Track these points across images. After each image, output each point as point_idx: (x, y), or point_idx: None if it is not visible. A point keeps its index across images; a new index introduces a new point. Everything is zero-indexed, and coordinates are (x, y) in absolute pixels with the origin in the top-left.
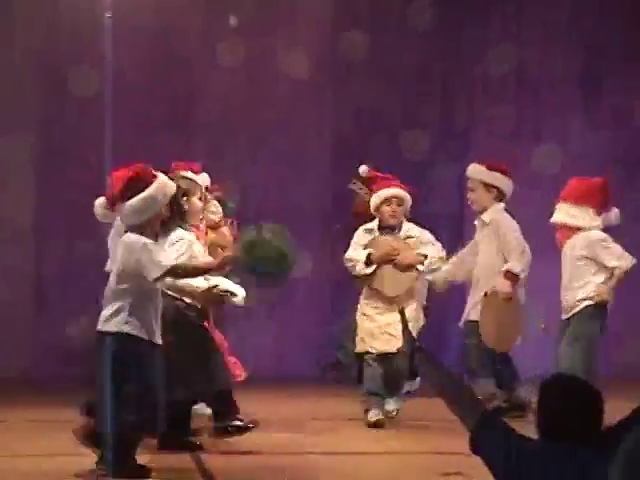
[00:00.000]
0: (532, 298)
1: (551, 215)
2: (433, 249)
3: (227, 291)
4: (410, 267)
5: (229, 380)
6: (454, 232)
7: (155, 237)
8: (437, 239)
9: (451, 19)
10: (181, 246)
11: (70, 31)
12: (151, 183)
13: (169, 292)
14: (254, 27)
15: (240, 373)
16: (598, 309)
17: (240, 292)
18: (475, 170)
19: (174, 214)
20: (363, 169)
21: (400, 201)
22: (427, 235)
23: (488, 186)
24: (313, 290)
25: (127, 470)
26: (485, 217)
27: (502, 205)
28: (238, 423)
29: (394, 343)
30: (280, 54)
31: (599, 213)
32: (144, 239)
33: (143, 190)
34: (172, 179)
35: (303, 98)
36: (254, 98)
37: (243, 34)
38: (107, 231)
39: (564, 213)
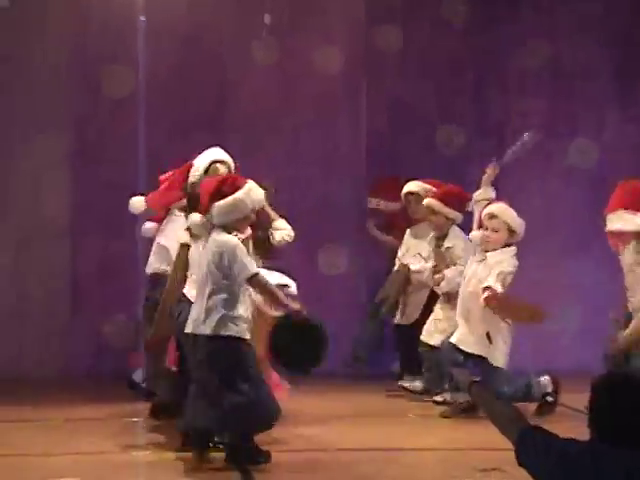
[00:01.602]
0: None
1: (590, 214)
2: (451, 271)
3: (284, 285)
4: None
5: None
6: None
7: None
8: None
9: (485, 13)
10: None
11: (104, 31)
12: (241, 187)
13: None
14: (287, 24)
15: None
16: None
17: (291, 283)
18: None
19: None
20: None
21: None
22: (458, 253)
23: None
24: (348, 287)
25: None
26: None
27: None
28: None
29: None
30: (313, 51)
31: None
32: (236, 239)
33: (233, 193)
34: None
35: (337, 94)
36: (288, 95)
37: (276, 32)
38: (140, 230)
39: (623, 220)
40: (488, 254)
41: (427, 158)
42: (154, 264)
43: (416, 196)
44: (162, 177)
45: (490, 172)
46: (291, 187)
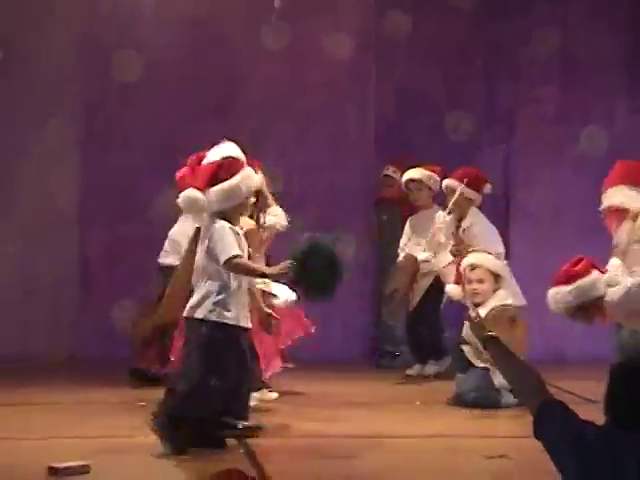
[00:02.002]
0: None
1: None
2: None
3: (271, 293)
4: None
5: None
6: (499, 214)
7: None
8: None
9: None
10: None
11: (113, 16)
12: (237, 173)
13: None
14: (297, 9)
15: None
16: None
17: (283, 294)
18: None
19: None
20: (387, 169)
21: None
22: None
23: None
24: (356, 274)
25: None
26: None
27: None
28: (247, 424)
29: None
30: (323, 36)
31: None
32: (228, 224)
33: (229, 178)
34: None
35: (346, 81)
36: (297, 81)
37: (286, 17)
38: (151, 215)
39: (622, 196)
40: (481, 310)
41: (436, 145)
42: (164, 257)
43: (417, 183)
44: (179, 174)
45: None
46: (300, 174)
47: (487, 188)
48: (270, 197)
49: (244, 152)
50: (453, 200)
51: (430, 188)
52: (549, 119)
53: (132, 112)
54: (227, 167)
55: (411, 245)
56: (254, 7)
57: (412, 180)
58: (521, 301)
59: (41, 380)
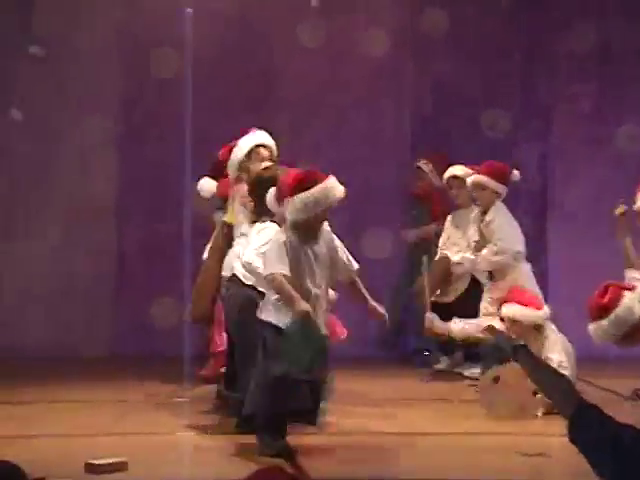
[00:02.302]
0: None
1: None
2: (486, 251)
3: None
4: None
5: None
6: (537, 211)
7: (314, 237)
8: (518, 220)
9: None
10: (268, 235)
11: (151, 13)
12: (318, 184)
13: (246, 282)
14: (333, 6)
15: (342, 331)
16: None
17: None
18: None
19: (262, 205)
20: (422, 163)
21: (482, 186)
22: (497, 226)
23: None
24: (390, 270)
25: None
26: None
27: None
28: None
29: None
30: (359, 32)
31: None
32: (283, 237)
33: (309, 189)
34: (268, 170)
35: (383, 76)
36: (334, 77)
37: (323, 13)
38: (187, 211)
39: None
40: None
41: (472, 142)
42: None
43: (459, 180)
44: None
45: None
46: (335, 169)
47: (515, 176)
48: None
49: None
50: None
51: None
52: (586, 116)
53: (169, 107)
54: (309, 177)
55: (449, 244)
56: (291, 3)
57: (455, 177)
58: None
59: (79, 376)
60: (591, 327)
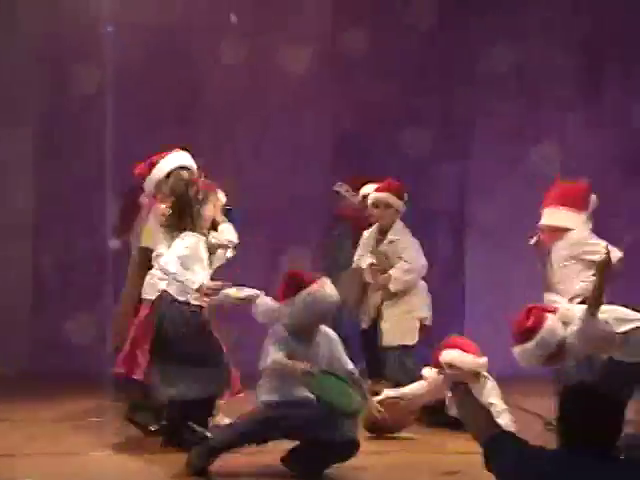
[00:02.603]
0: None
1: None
2: (396, 270)
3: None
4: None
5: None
6: (454, 230)
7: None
8: (436, 237)
9: (452, 16)
10: (190, 246)
11: (73, 28)
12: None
13: (175, 297)
14: (256, 23)
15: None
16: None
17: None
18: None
19: (186, 216)
20: (341, 187)
21: (386, 204)
22: (404, 245)
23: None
24: None
25: None
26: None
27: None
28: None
29: None
30: (281, 50)
31: (585, 214)
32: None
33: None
34: (186, 182)
35: (304, 94)
36: (256, 94)
37: (245, 30)
38: (105, 228)
39: (555, 216)
40: None
41: (393, 158)
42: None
43: (384, 204)
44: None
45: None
46: (258, 186)
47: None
48: (221, 216)
49: (204, 176)
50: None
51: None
52: (504, 135)
53: (89, 123)
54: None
55: (364, 258)
56: (214, 20)
57: (377, 202)
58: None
59: None
60: (517, 350)
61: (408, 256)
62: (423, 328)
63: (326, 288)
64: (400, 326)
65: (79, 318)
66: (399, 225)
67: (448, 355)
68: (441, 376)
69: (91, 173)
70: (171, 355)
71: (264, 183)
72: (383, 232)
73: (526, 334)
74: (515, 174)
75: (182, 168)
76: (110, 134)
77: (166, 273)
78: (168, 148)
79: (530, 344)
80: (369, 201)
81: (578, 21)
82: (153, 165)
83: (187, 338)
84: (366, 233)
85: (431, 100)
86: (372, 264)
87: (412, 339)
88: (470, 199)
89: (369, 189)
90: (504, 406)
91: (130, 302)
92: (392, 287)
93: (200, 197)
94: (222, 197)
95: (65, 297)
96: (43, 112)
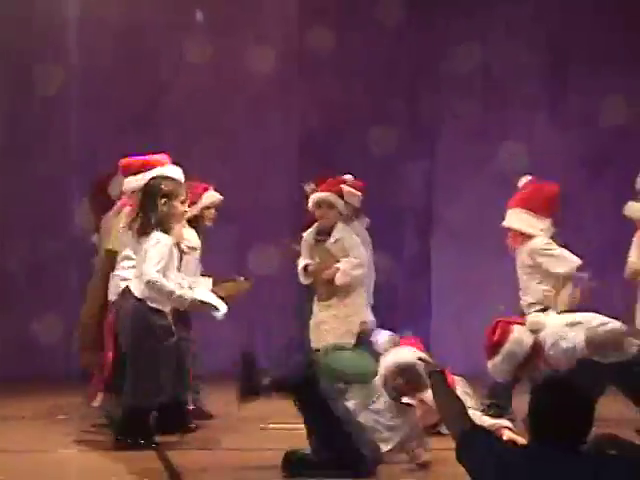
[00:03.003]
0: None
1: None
2: (345, 263)
3: (211, 304)
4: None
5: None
6: (421, 228)
7: None
8: (402, 235)
9: (418, 15)
10: (162, 249)
11: (36, 26)
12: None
13: (136, 294)
14: (220, 23)
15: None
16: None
17: (222, 307)
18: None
19: (150, 216)
20: (308, 186)
21: (329, 204)
22: (351, 243)
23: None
24: (278, 289)
25: None
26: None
27: None
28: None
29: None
30: (247, 50)
31: (549, 220)
32: None
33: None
34: (155, 179)
35: (270, 94)
36: (221, 95)
37: (209, 30)
38: (73, 229)
39: (521, 220)
40: None
41: (360, 158)
42: None
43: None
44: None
45: None
46: (223, 185)
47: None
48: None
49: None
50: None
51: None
52: (470, 134)
53: (54, 124)
54: None
55: (300, 259)
56: (178, 20)
57: (320, 202)
58: None
59: None
60: (489, 366)
61: (357, 253)
62: (364, 331)
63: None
64: (339, 329)
65: (45, 318)
66: (341, 224)
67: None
68: None
69: (56, 173)
70: (132, 356)
71: (230, 184)
72: (324, 232)
73: (494, 349)
74: (482, 173)
75: (154, 178)
76: (75, 134)
77: (161, 291)
78: (132, 150)
79: (498, 358)
80: (310, 201)
81: (543, 20)
82: (143, 166)
83: (148, 338)
84: (305, 234)
85: (398, 99)
86: (306, 265)
87: (350, 342)
88: (437, 198)
89: (319, 195)
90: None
91: (96, 303)
92: (339, 280)
93: (167, 194)
94: (217, 196)
95: (31, 297)
96: (8, 114)
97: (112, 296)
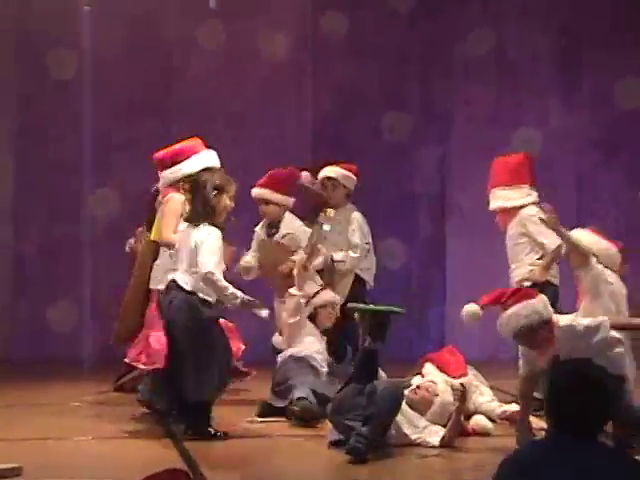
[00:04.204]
0: None
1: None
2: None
3: (257, 304)
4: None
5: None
6: (435, 213)
7: None
8: (417, 220)
9: (431, 0)
10: (217, 243)
11: (49, 14)
12: None
13: (186, 287)
14: (234, 8)
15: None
16: (540, 288)
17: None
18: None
19: (200, 208)
20: (305, 176)
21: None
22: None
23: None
24: None
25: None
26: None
27: None
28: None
29: None
30: (259, 35)
31: (531, 187)
32: None
33: None
34: (207, 172)
35: (283, 79)
36: (234, 80)
37: (223, 15)
38: (86, 212)
39: (500, 198)
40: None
41: (373, 143)
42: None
43: (333, 181)
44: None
45: None
46: (237, 171)
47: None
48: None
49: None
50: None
51: (345, 187)
52: (484, 119)
53: (68, 108)
54: None
55: (328, 244)
56: (191, 6)
57: (328, 178)
58: None
59: None
60: (504, 314)
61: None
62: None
63: None
64: None
65: (60, 303)
66: (288, 217)
67: (427, 369)
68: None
69: (70, 159)
70: (192, 351)
71: (243, 170)
72: (272, 226)
73: (518, 297)
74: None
75: (207, 170)
76: (88, 118)
77: (216, 285)
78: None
79: (518, 306)
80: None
81: (557, 4)
82: (176, 157)
83: (205, 331)
84: (257, 228)
85: (411, 84)
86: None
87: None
88: (451, 183)
89: (327, 172)
90: (489, 398)
91: (136, 293)
92: (345, 267)
93: (219, 187)
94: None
95: (46, 282)
96: (22, 98)
97: (154, 284)
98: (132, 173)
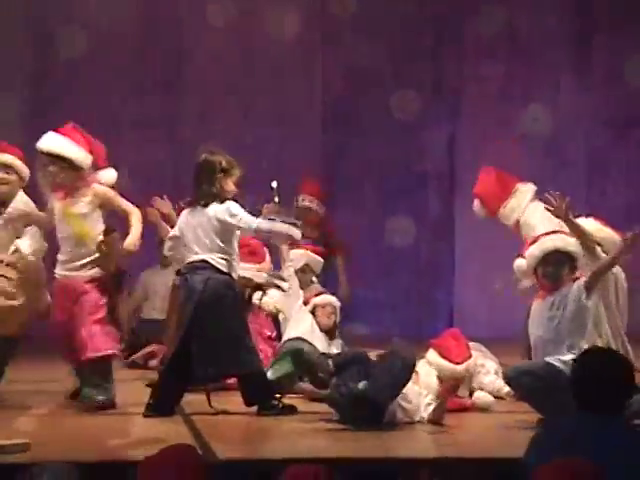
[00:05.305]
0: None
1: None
2: None
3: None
4: None
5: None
6: (445, 191)
7: None
8: (426, 199)
9: None
10: (236, 205)
11: None
12: None
13: (221, 268)
14: None
15: None
16: None
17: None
18: None
19: (206, 188)
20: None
21: None
22: None
23: None
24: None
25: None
26: None
27: None
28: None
29: None
30: (270, 15)
31: (520, 183)
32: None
33: None
34: (213, 154)
35: (293, 59)
36: (244, 58)
37: None
38: None
39: (509, 214)
40: None
41: (383, 122)
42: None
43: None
44: None
45: None
46: (246, 149)
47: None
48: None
49: None
50: None
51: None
52: (494, 97)
53: (77, 87)
54: None
55: None
56: None
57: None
58: None
59: None
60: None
61: None
62: None
63: None
64: None
65: None
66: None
67: (429, 355)
68: None
69: None
70: (237, 328)
71: (253, 149)
72: None
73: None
74: (506, 136)
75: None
76: (99, 99)
77: (272, 229)
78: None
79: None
80: None
81: None
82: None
83: (242, 308)
84: None
85: (422, 62)
86: None
87: None
88: (460, 161)
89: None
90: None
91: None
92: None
93: (224, 170)
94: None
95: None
96: (31, 77)
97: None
98: (143, 152)
